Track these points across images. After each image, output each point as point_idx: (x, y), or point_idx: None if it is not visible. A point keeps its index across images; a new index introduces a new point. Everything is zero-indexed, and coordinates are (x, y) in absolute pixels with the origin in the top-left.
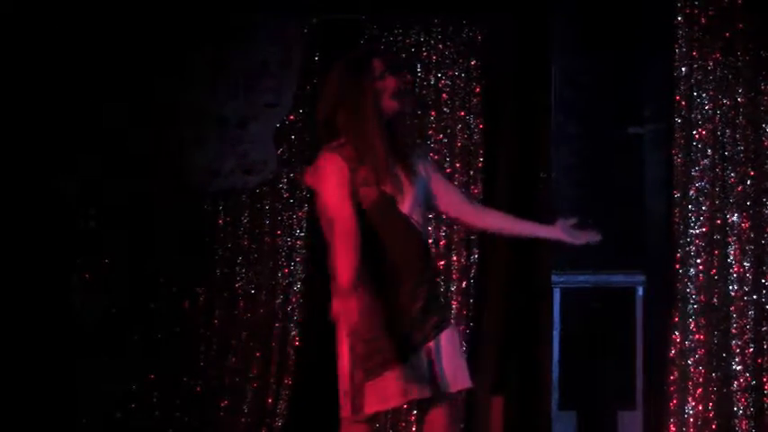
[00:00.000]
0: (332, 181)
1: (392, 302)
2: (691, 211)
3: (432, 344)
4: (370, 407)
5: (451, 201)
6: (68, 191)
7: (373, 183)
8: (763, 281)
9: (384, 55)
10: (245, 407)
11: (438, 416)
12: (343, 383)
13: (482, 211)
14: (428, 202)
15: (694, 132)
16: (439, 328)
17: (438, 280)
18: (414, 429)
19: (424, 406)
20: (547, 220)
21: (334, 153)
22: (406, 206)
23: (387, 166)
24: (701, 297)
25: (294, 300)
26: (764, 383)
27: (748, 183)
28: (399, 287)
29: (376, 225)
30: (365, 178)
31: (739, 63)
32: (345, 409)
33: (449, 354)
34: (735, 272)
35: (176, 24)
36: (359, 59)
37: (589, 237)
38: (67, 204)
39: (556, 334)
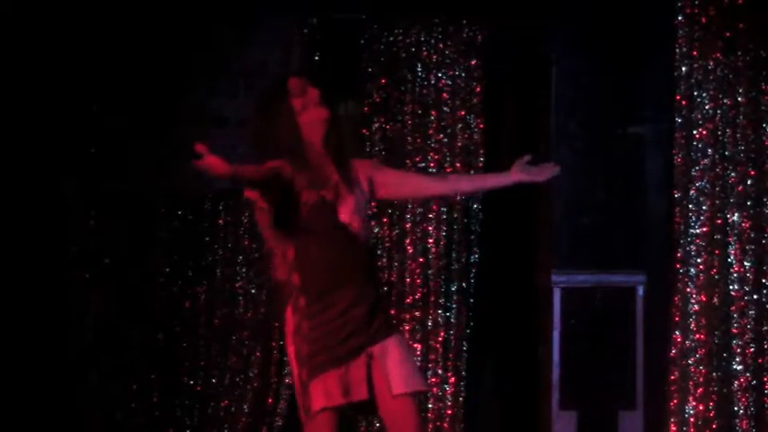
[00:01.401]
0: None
1: (334, 306)
2: (691, 210)
3: (376, 348)
4: (317, 403)
5: (411, 184)
6: (68, 191)
7: (311, 187)
8: (764, 280)
9: (302, 72)
10: (245, 406)
11: (388, 416)
12: (296, 385)
13: (446, 180)
14: (390, 198)
15: (695, 132)
16: (382, 332)
17: (381, 286)
18: None
19: (369, 409)
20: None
21: (277, 162)
22: (344, 213)
23: (317, 174)
24: (702, 297)
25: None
26: (765, 383)
27: (749, 182)
28: (340, 291)
29: (315, 230)
30: (303, 183)
31: (740, 63)
32: (301, 412)
33: (395, 358)
34: (735, 271)
35: (177, 25)
36: (273, 85)
37: (548, 172)
38: (68, 204)
39: (556, 334)
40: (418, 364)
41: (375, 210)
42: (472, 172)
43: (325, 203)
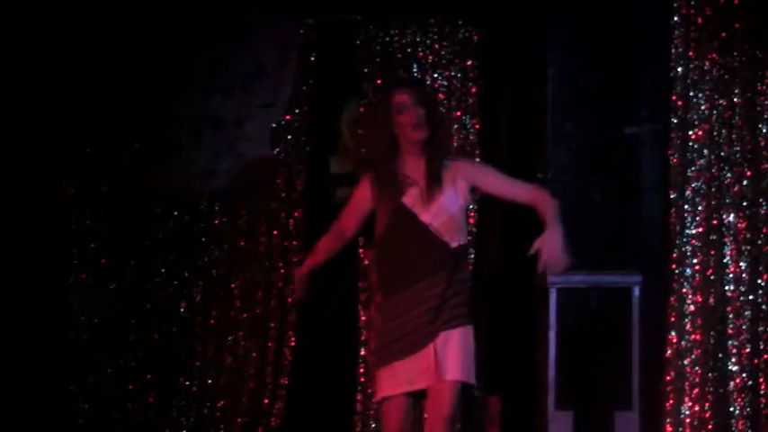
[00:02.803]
0: (351, 198)
1: (403, 302)
2: (687, 211)
3: (440, 337)
4: (382, 392)
5: (506, 190)
6: (66, 191)
7: (390, 196)
8: (760, 281)
9: (404, 80)
10: (241, 407)
11: (432, 401)
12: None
13: (532, 199)
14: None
15: (691, 132)
16: (447, 324)
17: (462, 283)
18: None
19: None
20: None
21: (365, 178)
22: (427, 214)
23: (394, 182)
24: (698, 297)
25: (290, 300)
26: (761, 384)
27: (744, 183)
28: (414, 287)
29: (395, 233)
30: (382, 194)
31: (736, 63)
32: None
33: (454, 346)
34: (731, 272)
35: (174, 25)
36: (383, 93)
37: (554, 264)
38: (65, 205)
39: (552, 334)
40: (473, 360)
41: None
42: None
43: (405, 208)
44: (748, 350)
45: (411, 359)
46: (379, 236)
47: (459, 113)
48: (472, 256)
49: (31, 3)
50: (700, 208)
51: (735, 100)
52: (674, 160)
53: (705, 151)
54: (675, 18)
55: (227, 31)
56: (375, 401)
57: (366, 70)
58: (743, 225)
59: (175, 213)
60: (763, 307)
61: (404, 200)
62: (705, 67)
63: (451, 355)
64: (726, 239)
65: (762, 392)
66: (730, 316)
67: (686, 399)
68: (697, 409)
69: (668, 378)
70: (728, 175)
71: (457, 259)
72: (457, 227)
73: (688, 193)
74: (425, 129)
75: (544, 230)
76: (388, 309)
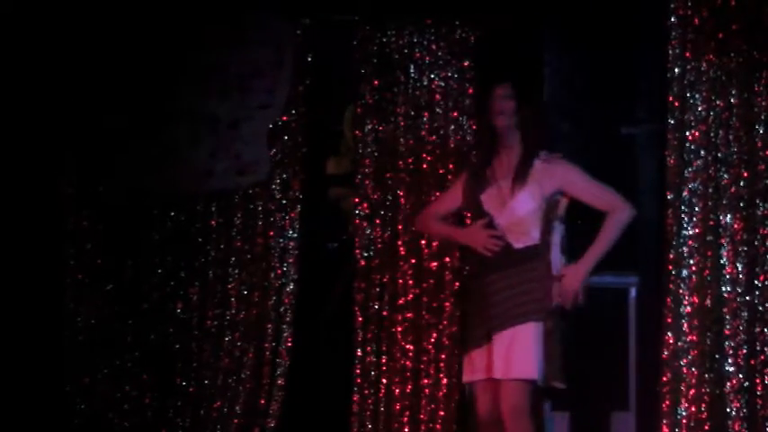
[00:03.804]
0: (448, 189)
1: (480, 290)
2: (684, 212)
3: (505, 335)
4: (465, 377)
5: (588, 198)
6: (63, 191)
7: (473, 189)
8: (757, 282)
9: (507, 76)
10: (238, 408)
11: (501, 397)
12: None
13: (610, 210)
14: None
15: (687, 133)
16: (516, 319)
17: (531, 280)
18: None
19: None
20: None
21: (464, 172)
22: (498, 214)
23: (480, 176)
24: (694, 298)
25: (287, 301)
26: (757, 385)
27: (741, 184)
28: (490, 276)
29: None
30: (468, 185)
31: (733, 64)
32: None
33: (517, 347)
34: (728, 273)
35: (170, 26)
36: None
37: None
38: (62, 205)
39: None
40: (540, 354)
41: (368, 211)
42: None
43: (480, 204)
44: (745, 351)
45: (483, 349)
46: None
47: (456, 114)
48: None
49: (31, 3)
50: (696, 209)
51: (732, 101)
52: (671, 161)
53: (702, 152)
54: (672, 19)
55: (223, 31)
56: (464, 383)
57: (363, 71)
58: (740, 226)
59: (172, 214)
60: (760, 308)
61: (482, 196)
62: (702, 68)
63: (516, 352)
64: (723, 240)
65: (759, 393)
66: (727, 317)
67: (683, 400)
68: (693, 410)
69: (665, 379)
70: (725, 176)
71: (522, 259)
72: (523, 229)
73: (685, 193)
74: (508, 118)
75: (579, 262)
76: (471, 292)
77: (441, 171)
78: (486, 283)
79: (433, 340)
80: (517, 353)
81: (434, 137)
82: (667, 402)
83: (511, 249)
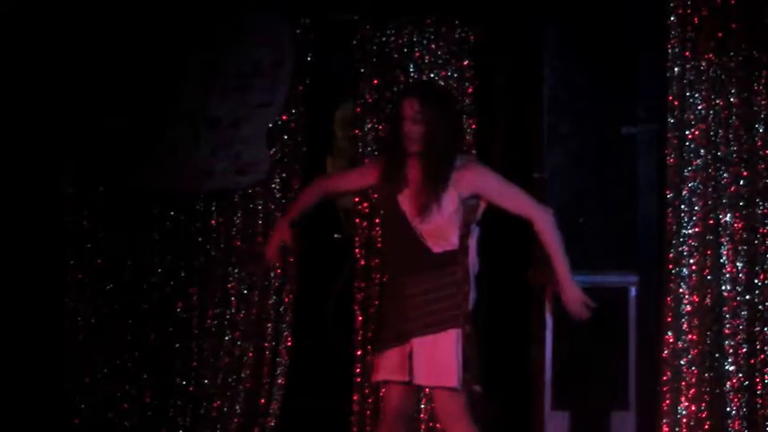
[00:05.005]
0: (357, 168)
1: (398, 291)
2: (683, 211)
3: (418, 341)
4: (375, 376)
5: (509, 204)
6: (63, 191)
7: (390, 190)
8: (756, 281)
9: (413, 89)
10: (237, 407)
11: (436, 405)
12: None
13: (533, 220)
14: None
15: (687, 133)
16: (428, 330)
17: (451, 285)
18: None
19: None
20: None
21: (380, 160)
22: (415, 217)
23: (396, 179)
24: (694, 297)
25: (287, 300)
26: (757, 384)
27: (741, 183)
28: (403, 279)
29: (387, 223)
30: (384, 185)
31: (732, 63)
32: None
33: (436, 353)
34: (728, 272)
35: (170, 25)
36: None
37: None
38: (62, 205)
39: (548, 334)
40: (461, 360)
41: (366, 211)
42: None
43: (398, 206)
44: (745, 350)
45: (399, 350)
46: (381, 220)
47: None
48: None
49: (31, 3)
50: (696, 208)
51: (732, 100)
52: (671, 160)
53: (702, 151)
54: (672, 18)
55: (223, 31)
56: (373, 382)
57: (362, 70)
58: (739, 225)
59: (172, 213)
60: (760, 307)
61: (400, 198)
62: (702, 68)
63: (440, 359)
64: (722, 239)
65: (758, 392)
66: (727, 316)
67: (683, 399)
68: (693, 409)
69: (665, 378)
70: (725, 175)
71: (442, 264)
72: (442, 233)
73: (685, 192)
74: (419, 144)
75: (558, 279)
76: (386, 291)
77: None
78: (402, 284)
79: None
80: (441, 360)
81: None
82: (667, 401)
83: (429, 253)
